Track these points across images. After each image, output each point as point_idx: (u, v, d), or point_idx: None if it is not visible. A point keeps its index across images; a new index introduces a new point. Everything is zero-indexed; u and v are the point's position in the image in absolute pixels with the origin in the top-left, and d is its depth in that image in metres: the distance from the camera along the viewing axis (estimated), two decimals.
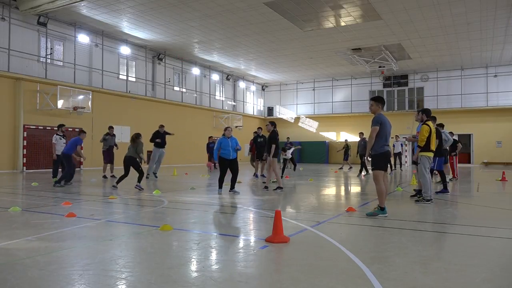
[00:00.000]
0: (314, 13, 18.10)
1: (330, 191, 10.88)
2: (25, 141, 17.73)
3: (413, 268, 3.54)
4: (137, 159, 10.26)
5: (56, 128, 13.12)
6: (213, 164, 19.55)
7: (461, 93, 28.62)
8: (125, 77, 23.00)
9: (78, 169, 18.40)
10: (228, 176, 9.45)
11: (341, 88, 33.20)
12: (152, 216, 6.47)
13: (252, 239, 4.79)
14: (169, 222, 5.50)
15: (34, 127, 18.17)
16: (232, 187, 9.35)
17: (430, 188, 7.89)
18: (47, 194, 9.07)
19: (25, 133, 17.79)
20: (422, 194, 7.94)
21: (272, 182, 11.35)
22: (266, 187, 10.29)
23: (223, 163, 9.25)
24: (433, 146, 7.99)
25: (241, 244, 4.54)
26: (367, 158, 6.68)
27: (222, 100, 31.49)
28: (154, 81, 25.06)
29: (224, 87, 31.73)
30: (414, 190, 9.33)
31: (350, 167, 23.02)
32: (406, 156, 26.45)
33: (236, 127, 30.58)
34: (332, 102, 33.40)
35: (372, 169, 6.40)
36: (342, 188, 11.90)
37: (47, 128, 18.41)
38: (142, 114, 23.27)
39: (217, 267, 3.60)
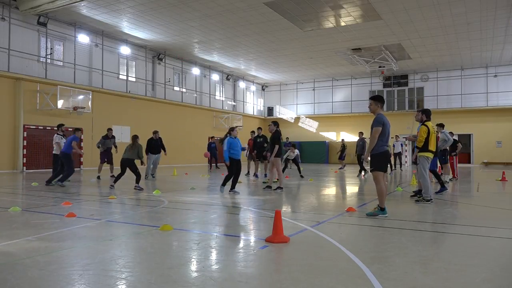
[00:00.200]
0: (314, 13, 18.09)
1: (330, 191, 10.89)
2: (25, 141, 17.74)
3: (413, 268, 3.54)
4: (138, 161, 10.30)
5: (56, 128, 13.11)
6: (209, 153, 18.72)
7: (461, 93, 28.61)
8: (125, 77, 22.99)
9: (78, 169, 18.41)
10: None
11: (341, 88, 33.19)
12: (152, 216, 6.48)
13: (252, 239, 4.79)
14: (169, 222, 5.50)
15: (34, 127, 18.17)
16: (233, 187, 9.36)
17: (430, 188, 7.90)
18: (47, 194, 9.07)
19: (25, 133, 17.79)
20: (422, 194, 7.96)
21: (273, 182, 11.34)
22: (269, 187, 10.29)
23: (233, 163, 9.25)
24: (431, 147, 8.00)
25: (241, 244, 4.54)
26: (365, 159, 6.66)
27: (222, 100, 31.48)
28: (154, 81, 25.05)
29: (224, 87, 31.72)
30: (414, 191, 9.32)
31: (342, 167, 22.95)
32: (406, 156, 26.42)
33: (236, 127, 30.50)
34: (332, 102, 33.39)
35: (372, 170, 6.39)
36: (342, 188, 11.90)
37: (47, 128, 18.41)
38: (142, 114, 23.27)
39: (217, 267, 3.60)
